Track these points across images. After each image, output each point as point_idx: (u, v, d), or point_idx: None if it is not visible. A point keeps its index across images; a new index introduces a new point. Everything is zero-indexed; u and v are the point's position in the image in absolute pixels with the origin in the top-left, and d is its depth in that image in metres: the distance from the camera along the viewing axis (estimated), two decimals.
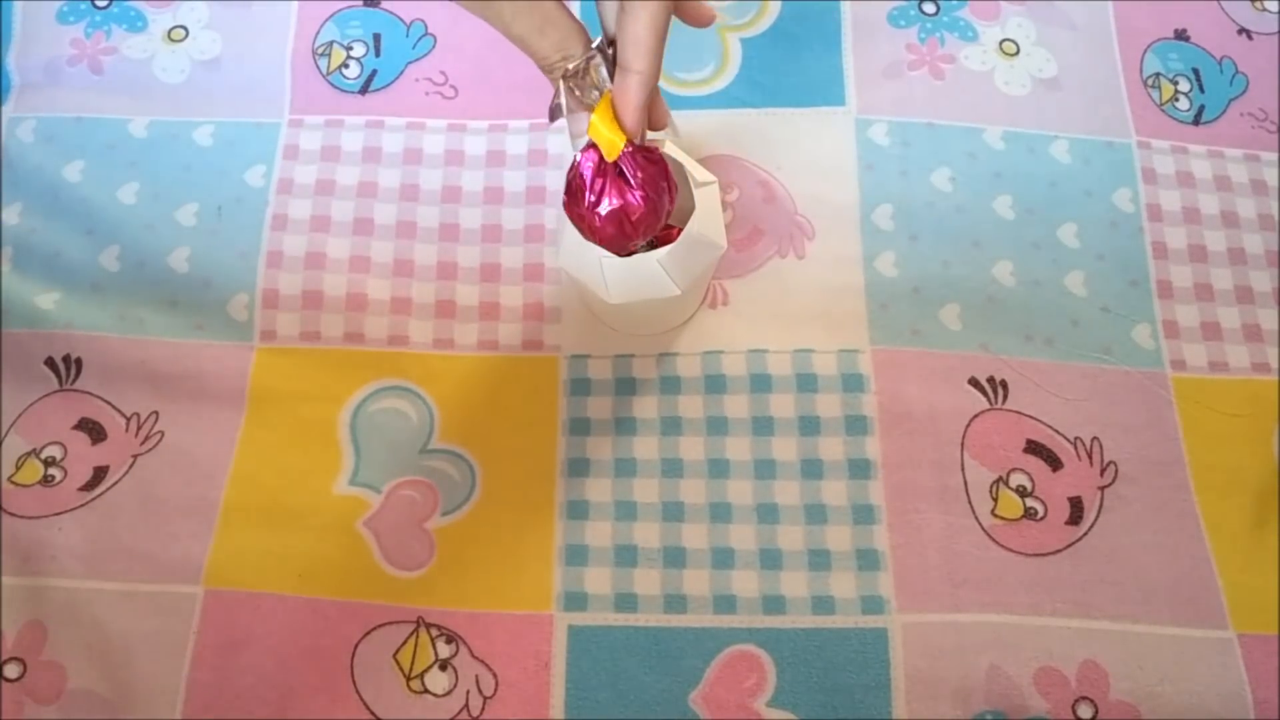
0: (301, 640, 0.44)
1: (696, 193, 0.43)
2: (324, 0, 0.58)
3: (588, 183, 0.41)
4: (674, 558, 0.46)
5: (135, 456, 0.47)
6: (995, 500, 0.47)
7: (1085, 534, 0.46)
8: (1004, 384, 0.49)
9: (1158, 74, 0.57)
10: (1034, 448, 0.48)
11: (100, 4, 0.58)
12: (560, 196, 0.43)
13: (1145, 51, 0.57)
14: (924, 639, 0.44)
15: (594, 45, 0.39)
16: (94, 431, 0.48)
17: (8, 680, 0.43)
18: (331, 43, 0.57)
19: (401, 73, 0.56)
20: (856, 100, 0.55)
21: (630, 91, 0.38)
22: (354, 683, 0.43)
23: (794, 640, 0.44)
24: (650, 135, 0.42)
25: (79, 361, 0.49)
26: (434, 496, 0.47)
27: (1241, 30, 0.58)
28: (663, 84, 0.54)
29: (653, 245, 0.43)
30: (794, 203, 0.53)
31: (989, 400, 0.49)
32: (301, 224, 0.52)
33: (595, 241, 0.41)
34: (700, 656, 0.44)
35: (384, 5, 0.58)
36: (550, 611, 0.45)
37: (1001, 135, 0.54)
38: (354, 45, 0.57)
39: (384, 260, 0.51)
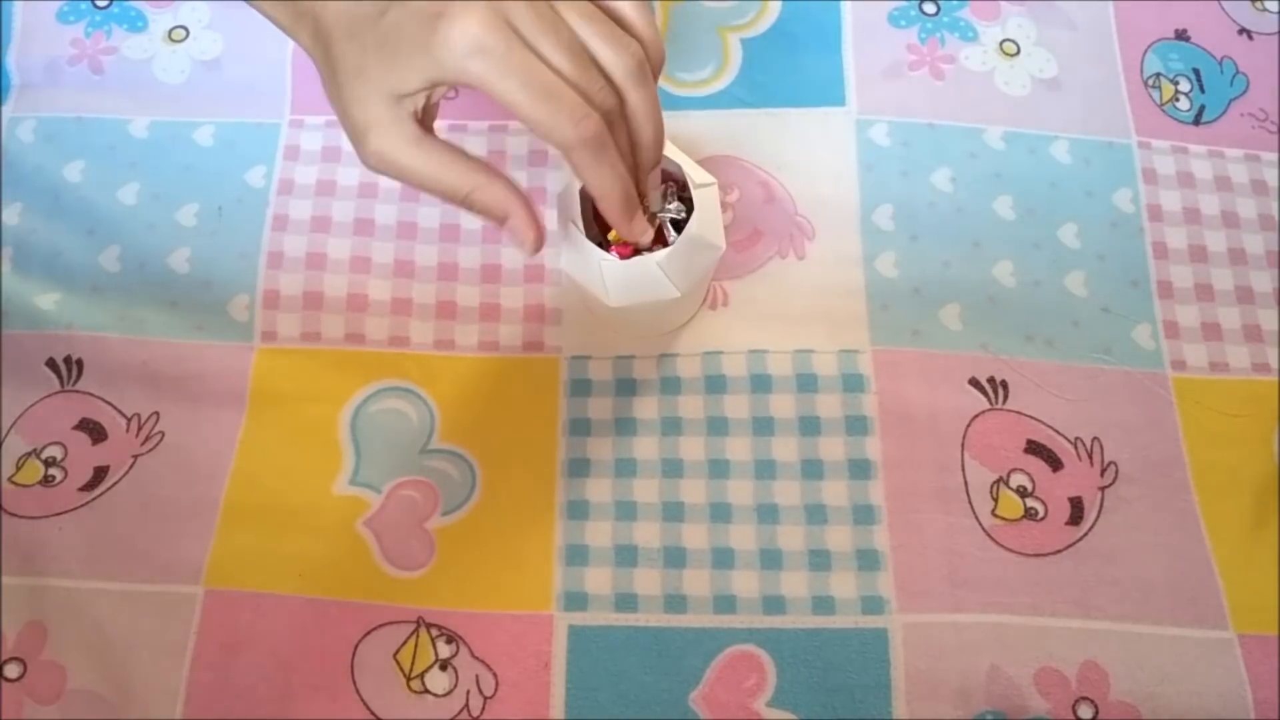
0: (301, 640, 0.44)
1: (695, 194, 0.43)
2: None
3: None
4: (674, 558, 0.46)
5: (136, 457, 0.47)
6: (996, 500, 0.47)
7: (1085, 534, 0.46)
8: (1004, 384, 0.49)
9: (1158, 74, 0.57)
10: (1034, 448, 0.48)
11: (100, 4, 0.58)
12: (561, 198, 0.43)
13: (1145, 51, 0.57)
14: (924, 639, 0.44)
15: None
16: (94, 432, 0.48)
17: (8, 680, 0.43)
18: None
19: None
20: (857, 100, 0.55)
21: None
22: (354, 683, 0.43)
23: (794, 640, 0.44)
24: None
25: (80, 362, 0.49)
26: (434, 496, 0.47)
27: (1242, 30, 0.58)
28: (663, 84, 0.54)
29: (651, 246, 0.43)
30: (794, 203, 0.53)
31: (989, 400, 0.49)
32: (302, 224, 0.52)
33: None
34: (700, 656, 0.44)
35: None
36: (550, 611, 0.45)
37: (1002, 135, 0.54)
38: None
39: (384, 261, 0.51)
